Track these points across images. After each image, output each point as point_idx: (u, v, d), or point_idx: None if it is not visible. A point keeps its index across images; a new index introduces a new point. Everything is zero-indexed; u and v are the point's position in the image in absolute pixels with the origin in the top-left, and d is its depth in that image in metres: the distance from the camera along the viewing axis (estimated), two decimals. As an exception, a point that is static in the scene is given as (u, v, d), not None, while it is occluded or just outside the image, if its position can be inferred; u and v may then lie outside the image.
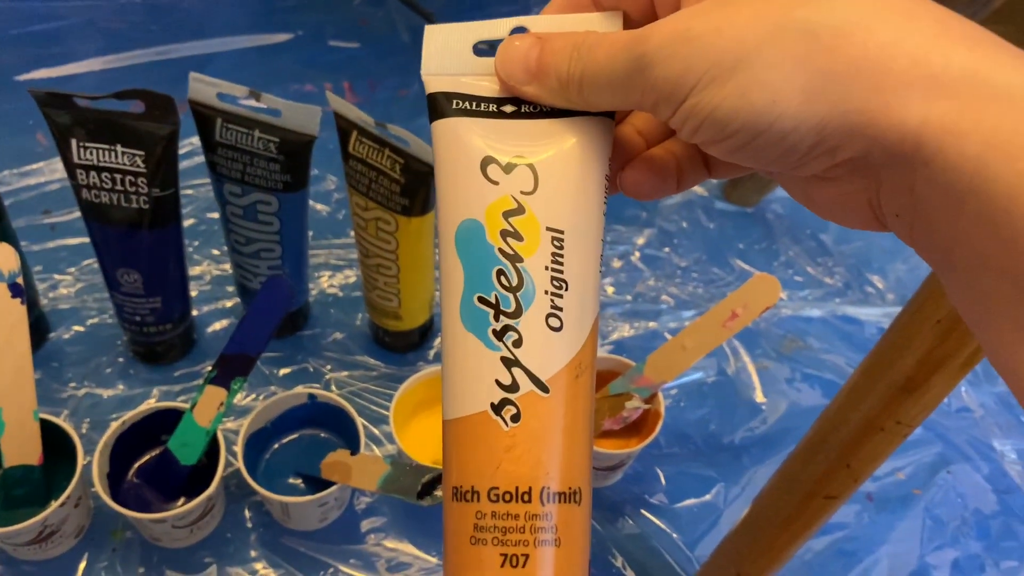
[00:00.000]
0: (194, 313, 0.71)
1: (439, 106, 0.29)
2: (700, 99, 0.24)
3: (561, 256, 0.27)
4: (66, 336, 0.71)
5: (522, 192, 0.27)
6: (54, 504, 0.54)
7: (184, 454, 0.56)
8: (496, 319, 0.27)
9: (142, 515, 0.55)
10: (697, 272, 0.81)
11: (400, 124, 0.54)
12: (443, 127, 0.28)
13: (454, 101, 0.28)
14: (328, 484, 0.57)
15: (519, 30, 0.29)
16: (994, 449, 0.72)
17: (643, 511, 0.65)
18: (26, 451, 0.54)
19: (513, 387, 0.27)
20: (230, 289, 0.75)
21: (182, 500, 0.59)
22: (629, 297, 0.79)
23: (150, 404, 0.60)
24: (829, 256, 0.85)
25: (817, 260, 0.84)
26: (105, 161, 0.55)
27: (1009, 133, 0.20)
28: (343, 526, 0.62)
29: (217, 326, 0.73)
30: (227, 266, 0.76)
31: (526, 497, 0.26)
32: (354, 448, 0.59)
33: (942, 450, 0.71)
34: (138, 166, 0.55)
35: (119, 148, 0.55)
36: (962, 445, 0.71)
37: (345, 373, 0.70)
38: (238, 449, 0.58)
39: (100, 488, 0.55)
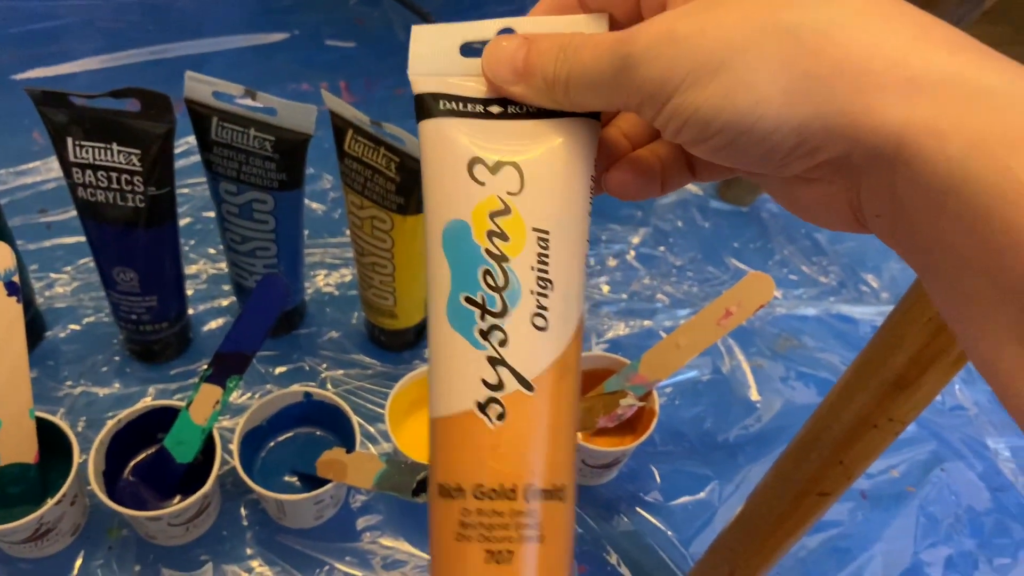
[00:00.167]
0: (190, 312, 0.71)
1: (426, 106, 0.29)
2: (684, 99, 0.24)
3: (547, 256, 0.27)
4: (62, 335, 0.71)
5: (508, 192, 0.28)
6: (50, 502, 0.54)
7: (180, 452, 0.56)
8: (482, 319, 0.27)
9: (138, 513, 0.55)
10: (692, 271, 0.82)
11: (396, 123, 0.54)
12: (430, 127, 0.29)
13: (441, 101, 0.29)
14: (324, 482, 0.57)
15: (506, 31, 0.29)
16: (988, 447, 0.72)
17: (638, 509, 0.65)
18: (22, 449, 0.54)
19: (499, 386, 0.27)
20: (226, 288, 0.75)
21: (178, 498, 0.59)
22: (624, 296, 0.79)
23: (146, 402, 0.60)
24: (823, 255, 0.85)
25: (812, 259, 0.84)
26: (101, 160, 0.55)
27: (989, 134, 0.20)
28: (339, 524, 0.62)
29: (213, 325, 0.73)
30: (223, 265, 0.76)
31: (511, 494, 0.26)
32: (350, 446, 0.59)
33: (936, 448, 0.71)
34: (134, 165, 0.55)
35: (115, 147, 0.55)
36: (956, 443, 0.72)
37: (341, 371, 0.71)
38: (234, 447, 0.58)
39: (96, 486, 0.55)
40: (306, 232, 0.77)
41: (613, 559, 0.62)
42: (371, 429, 0.67)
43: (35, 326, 0.69)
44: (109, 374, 0.69)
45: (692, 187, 0.91)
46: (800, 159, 0.24)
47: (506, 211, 0.27)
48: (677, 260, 0.82)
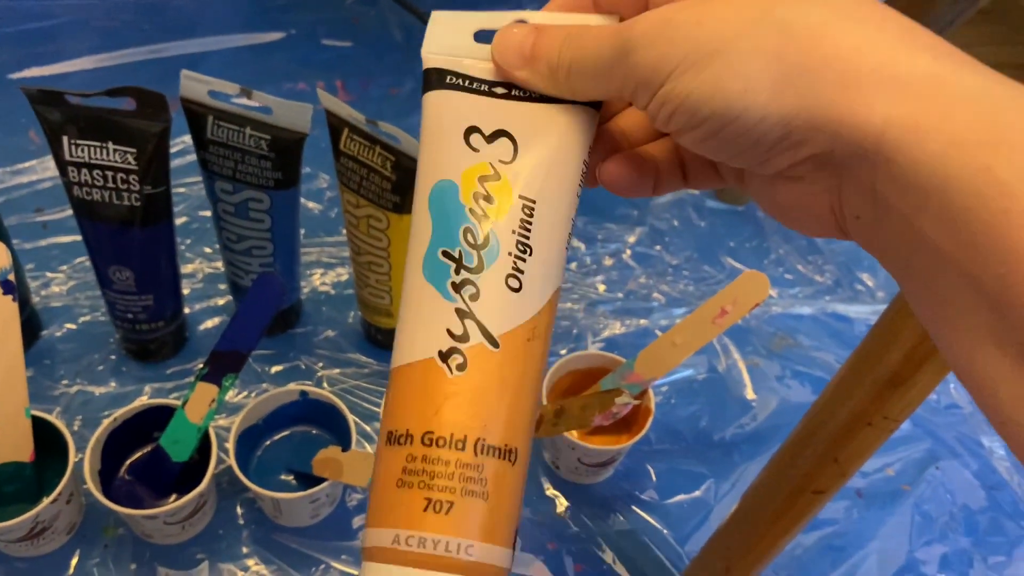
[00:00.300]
0: (186, 311, 0.71)
1: (433, 80, 0.30)
2: (676, 85, 0.24)
3: (530, 223, 0.28)
4: (58, 334, 0.71)
5: (500, 161, 0.28)
6: (46, 501, 0.54)
7: (176, 451, 0.56)
8: (457, 272, 0.27)
9: (134, 511, 0.55)
10: (688, 270, 0.82)
11: (392, 122, 0.54)
12: (433, 98, 0.30)
13: (448, 76, 0.30)
14: (320, 480, 0.57)
15: (520, 22, 0.30)
16: (982, 445, 0.72)
17: (634, 507, 0.65)
18: (18, 448, 0.54)
19: (463, 337, 0.27)
20: (222, 287, 0.75)
21: (174, 497, 0.59)
22: (620, 295, 0.79)
23: (142, 401, 0.60)
24: (819, 254, 0.85)
25: (807, 258, 0.85)
26: (97, 158, 0.55)
27: (969, 133, 0.21)
28: (335, 522, 0.62)
29: (209, 324, 0.73)
30: (219, 264, 0.76)
31: (460, 445, 0.26)
32: (346, 445, 0.59)
33: (931, 446, 0.71)
34: (130, 163, 0.55)
35: (111, 145, 0.55)
36: (951, 441, 0.72)
37: (337, 370, 0.71)
38: (230, 446, 0.58)
39: (92, 485, 0.55)
40: (302, 231, 0.77)
41: (609, 557, 0.62)
42: (367, 428, 0.67)
43: (31, 325, 0.69)
44: (105, 373, 0.69)
45: (688, 186, 0.91)
46: (784, 152, 0.24)
47: (496, 177, 0.28)
48: (673, 259, 0.83)
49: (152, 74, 0.93)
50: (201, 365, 0.55)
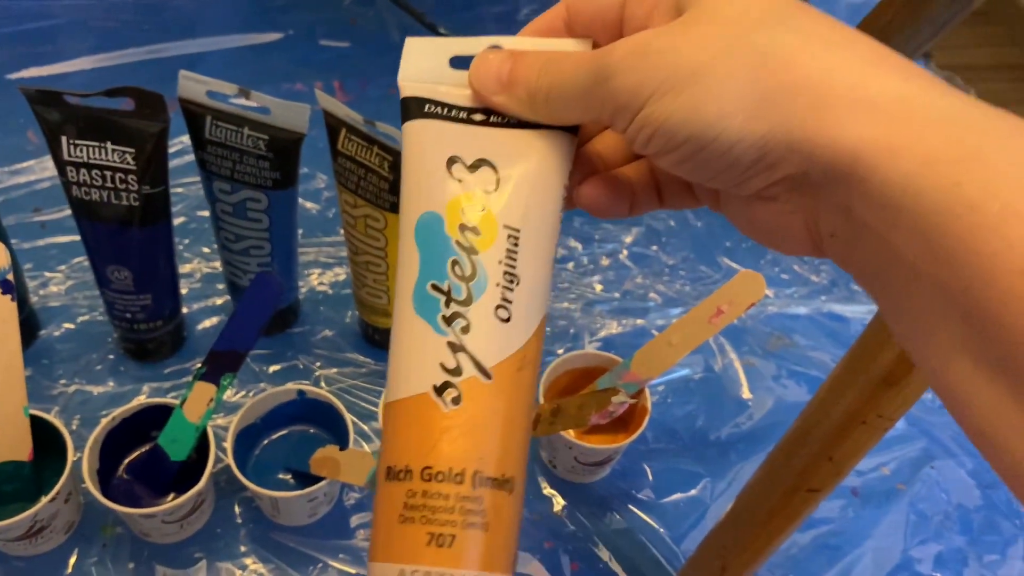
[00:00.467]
0: (184, 310, 0.71)
1: (411, 109, 0.30)
2: (654, 109, 0.25)
3: (515, 253, 0.28)
4: (56, 333, 0.71)
5: (483, 191, 0.29)
6: (44, 500, 0.54)
7: (174, 450, 0.56)
8: (447, 306, 0.28)
9: (132, 510, 0.55)
10: (684, 270, 0.82)
11: (390, 122, 0.54)
12: (413, 127, 0.30)
13: (427, 105, 0.30)
14: (317, 479, 0.57)
15: (495, 48, 0.30)
16: (978, 445, 0.72)
17: (630, 506, 0.65)
18: (16, 447, 0.55)
19: (457, 371, 0.27)
20: (220, 287, 0.75)
21: (172, 496, 0.59)
22: (617, 295, 0.79)
23: (140, 400, 0.60)
24: (816, 254, 0.85)
25: (803, 258, 0.85)
26: (95, 158, 0.55)
27: (940, 152, 0.21)
28: (332, 521, 0.63)
29: (207, 323, 0.73)
30: (217, 264, 0.76)
31: (459, 479, 0.26)
32: (343, 444, 0.59)
33: (926, 445, 0.71)
34: (128, 163, 0.56)
35: (109, 145, 0.55)
36: (946, 441, 0.72)
37: (335, 370, 0.71)
38: (228, 445, 0.58)
39: (90, 484, 0.55)
40: (300, 231, 0.78)
41: (605, 556, 0.63)
42: (365, 427, 0.67)
43: (29, 325, 0.69)
44: (103, 372, 0.69)
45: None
46: (760, 174, 0.25)
47: (479, 207, 0.28)
48: (670, 259, 0.83)
49: (150, 74, 0.93)
50: (199, 364, 0.55)
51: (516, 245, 0.28)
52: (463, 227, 0.28)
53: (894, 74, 0.23)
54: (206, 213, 0.79)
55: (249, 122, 0.57)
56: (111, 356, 0.70)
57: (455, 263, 0.28)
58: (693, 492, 0.67)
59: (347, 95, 0.93)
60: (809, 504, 0.49)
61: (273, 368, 0.70)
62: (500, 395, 0.27)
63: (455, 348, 0.27)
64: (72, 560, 0.59)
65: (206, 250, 0.78)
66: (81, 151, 0.55)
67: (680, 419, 0.71)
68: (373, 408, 0.69)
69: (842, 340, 0.78)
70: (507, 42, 0.30)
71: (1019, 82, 1.52)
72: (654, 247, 0.84)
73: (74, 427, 0.65)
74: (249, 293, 0.54)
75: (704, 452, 0.69)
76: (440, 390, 0.27)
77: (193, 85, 0.57)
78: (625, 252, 0.83)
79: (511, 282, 0.28)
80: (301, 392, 0.62)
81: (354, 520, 0.63)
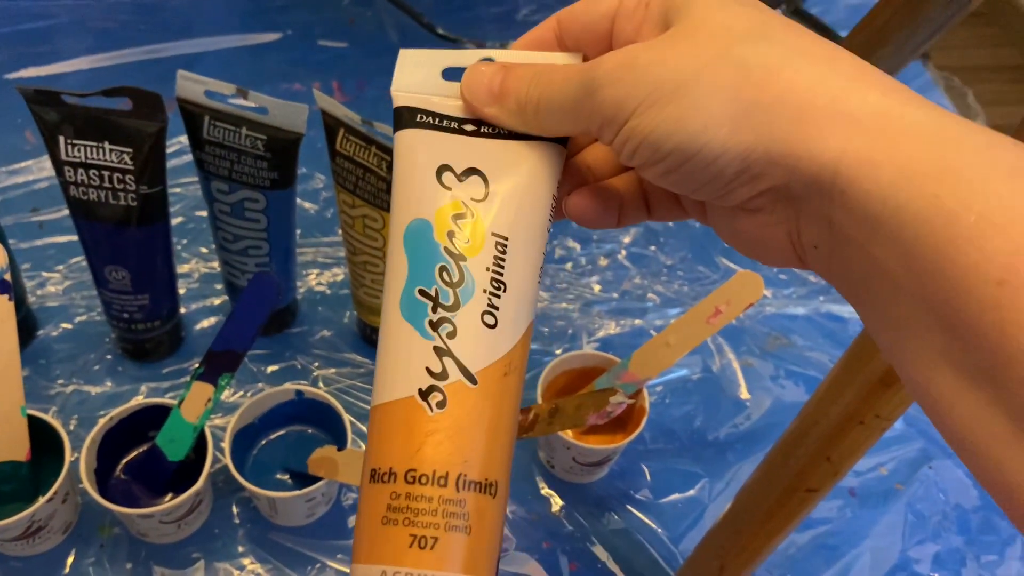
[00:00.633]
0: (182, 310, 0.71)
1: (403, 118, 0.31)
2: (640, 121, 0.26)
3: (503, 260, 0.29)
4: (54, 333, 0.71)
5: (472, 199, 0.29)
6: (41, 500, 0.54)
7: (172, 450, 0.56)
8: (434, 311, 0.28)
9: (130, 511, 0.55)
10: (683, 270, 0.82)
11: (388, 123, 0.54)
12: (405, 136, 0.30)
13: (418, 115, 0.30)
14: (315, 480, 0.57)
15: (487, 61, 0.31)
16: (975, 445, 0.72)
17: (628, 506, 0.65)
18: (14, 447, 0.55)
19: (442, 375, 0.27)
20: (218, 287, 0.75)
21: (170, 496, 0.59)
22: (615, 295, 0.79)
23: (138, 401, 0.60)
24: (814, 254, 0.85)
25: (802, 258, 0.85)
26: (93, 158, 0.55)
27: (919, 165, 0.22)
28: (330, 521, 0.63)
29: (205, 323, 0.73)
30: (215, 264, 0.76)
31: (442, 482, 0.27)
32: (341, 444, 0.59)
33: (924, 446, 0.71)
34: (126, 163, 0.56)
35: (107, 145, 0.55)
36: (944, 441, 0.72)
37: (333, 370, 0.71)
38: (225, 445, 0.58)
39: (88, 484, 0.55)
40: (298, 231, 0.78)
41: (603, 556, 0.63)
42: (362, 427, 0.67)
43: (27, 325, 0.69)
44: (101, 372, 0.69)
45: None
46: (743, 186, 0.25)
47: (469, 215, 0.29)
48: (668, 259, 0.83)
49: (148, 74, 0.93)
50: (197, 364, 0.55)
51: (504, 253, 0.29)
52: (452, 234, 0.29)
53: (874, 88, 0.24)
54: (204, 213, 0.79)
55: (247, 122, 0.57)
56: (109, 356, 0.70)
57: (443, 269, 0.28)
58: (691, 492, 0.67)
59: (345, 95, 0.93)
60: (807, 504, 0.49)
61: (271, 368, 0.70)
62: (485, 400, 0.28)
63: (441, 353, 0.28)
64: (70, 560, 0.59)
65: (204, 250, 0.78)
66: (79, 151, 0.55)
67: (678, 419, 0.71)
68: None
69: (840, 340, 0.78)
70: (499, 55, 0.31)
71: (1017, 83, 1.52)
72: (652, 247, 0.84)
73: (72, 427, 0.65)
74: (247, 293, 0.54)
75: (702, 452, 0.69)
76: (425, 394, 0.27)
77: (191, 85, 0.57)
78: (623, 252, 0.83)
79: (498, 289, 0.28)
80: (299, 392, 0.62)
81: (352, 520, 0.63)
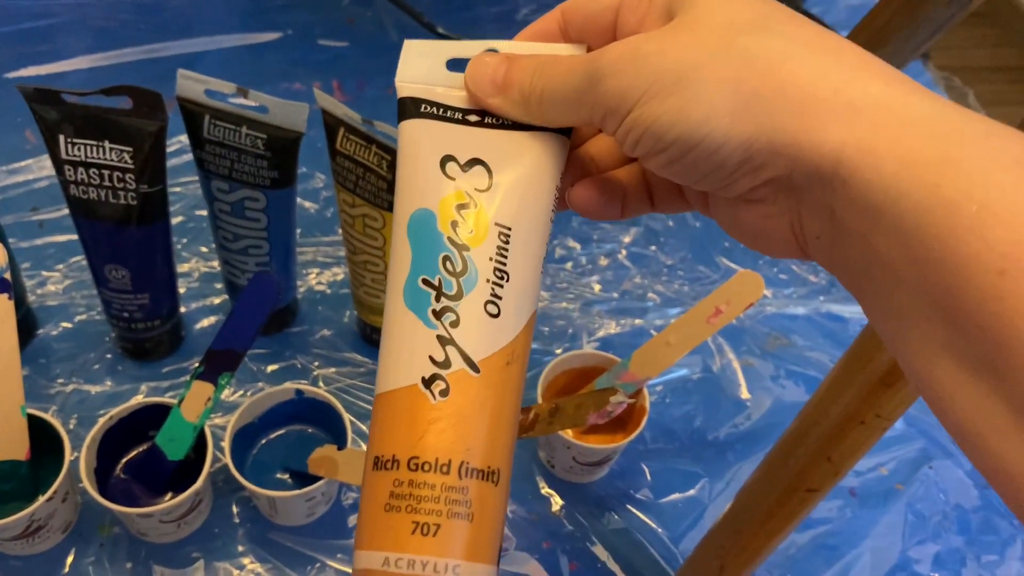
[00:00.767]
0: (182, 310, 0.71)
1: (408, 109, 0.31)
2: (643, 111, 0.26)
3: (506, 250, 0.29)
4: (54, 332, 0.71)
5: (476, 189, 0.29)
6: (41, 499, 0.54)
7: (171, 449, 0.56)
8: (437, 300, 0.28)
9: (129, 510, 0.55)
10: (683, 270, 0.82)
11: (388, 122, 0.54)
12: (409, 127, 0.30)
13: (422, 105, 0.31)
14: (315, 479, 0.57)
15: (492, 52, 0.31)
16: (975, 445, 0.72)
17: (628, 506, 0.65)
18: (14, 446, 0.55)
19: (445, 364, 0.28)
20: (218, 286, 0.75)
21: (169, 495, 0.59)
22: (616, 295, 0.79)
23: (138, 400, 0.60)
24: (814, 254, 0.85)
25: (802, 258, 0.85)
26: (93, 157, 0.55)
27: (919, 155, 0.22)
28: (330, 521, 0.62)
29: (205, 323, 0.73)
30: (215, 263, 0.76)
31: (445, 469, 0.27)
32: (341, 443, 0.59)
33: (924, 446, 0.71)
34: (126, 162, 0.56)
35: (107, 144, 0.55)
36: (944, 441, 0.72)
37: (333, 369, 0.71)
38: (225, 444, 0.58)
39: (87, 483, 0.55)
40: (298, 230, 0.78)
41: (603, 556, 0.63)
42: (363, 427, 0.67)
43: (27, 324, 0.69)
44: (101, 372, 0.69)
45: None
46: (746, 176, 0.25)
47: (472, 205, 0.29)
48: (668, 259, 0.83)
49: (149, 73, 0.93)
50: (197, 364, 0.55)
51: (507, 243, 0.29)
52: (455, 224, 0.29)
53: (877, 79, 0.24)
54: (204, 212, 0.79)
55: (247, 121, 0.57)
56: (109, 355, 0.70)
57: (446, 259, 0.28)
58: (691, 492, 0.67)
59: (345, 95, 0.93)
60: (807, 504, 0.49)
61: (271, 367, 0.70)
62: (488, 388, 0.28)
63: (444, 342, 0.28)
64: (69, 560, 0.59)
65: (204, 249, 0.78)
66: (79, 150, 0.55)
67: (678, 419, 0.71)
68: (371, 407, 0.68)
69: (840, 340, 0.78)
70: (503, 46, 0.31)
71: (1017, 83, 1.52)
72: (652, 247, 0.84)
73: (71, 426, 0.65)
74: (247, 292, 0.54)
75: (702, 452, 0.69)
76: (428, 382, 0.28)
77: (191, 84, 0.57)
78: (623, 252, 0.83)
79: (501, 279, 0.29)
80: (299, 391, 0.62)
81: (352, 520, 0.63)
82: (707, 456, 0.69)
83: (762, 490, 0.51)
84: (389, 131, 0.55)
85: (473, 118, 0.30)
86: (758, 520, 0.51)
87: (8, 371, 0.53)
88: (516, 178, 0.30)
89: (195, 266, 0.77)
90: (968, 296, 0.20)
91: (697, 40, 0.25)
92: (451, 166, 0.29)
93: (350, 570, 0.60)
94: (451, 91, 0.31)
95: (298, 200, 0.76)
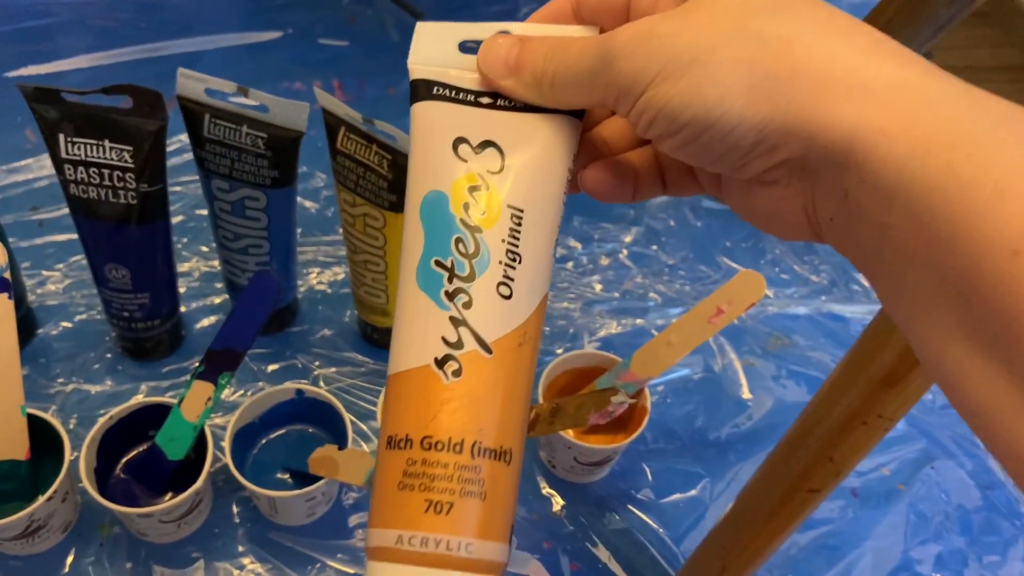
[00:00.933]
0: (182, 309, 0.71)
1: (420, 91, 0.31)
2: (656, 92, 0.26)
3: (518, 232, 0.29)
4: (54, 332, 0.71)
5: (488, 171, 0.29)
6: (41, 499, 0.54)
7: (171, 449, 0.56)
8: (450, 281, 0.28)
9: (129, 510, 0.55)
10: (684, 270, 0.82)
11: (388, 121, 0.54)
12: (421, 108, 0.31)
13: (435, 88, 0.31)
14: (315, 479, 0.57)
15: (504, 33, 0.31)
16: (977, 445, 0.72)
17: (629, 506, 0.65)
18: (13, 446, 0.54)
19: (458, 344, 0.28)
20: (219, 286, 0.75)
21: (169, 495, 0.59)
22: (617, 294, 0.79)
23: (138, 399, 0.60)
24: (815, 254, 0.85)
25: (803, 258, 0.85)
26: (93, 156, 0.55)
27: (933, 135, 0.22)
28: (331, 521, 0.62)
29: (205, 322, 0.73)
30: (215, 262, 0.76)
31: (458, 448, 0.27)
32: (342, 443, 0.59)
33: (926, 446, 0.71)
34: (126, 161, 0.55)
35: (107, 143, 0.55)
36: (946, 441, 0.72)
37: (333, 369, 0.71)
38: (226, 444, 0.58)
39: (87, 483, 0.55)
40: (299, 230, 0.77)
41: (604, 556, 0.62)
42: (363, 427, 0.67)
43: (27, 323, 0.69)
44: (101, 371, 0.69)
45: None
46: (759, 157, 0.25)
47: (484, 187, 0.29)
48: (669, 259, 0.83)
49: (149, 72, 0.93)
50: (197, 363, 0.55)
51: (519, 225, 0.29)
52: (467, 206, 0.29)
53: (891, 60, 0.24)
54: (204, 211, 0.79)
55: (248, 120, 0.57)
56: (109, 355, 0.70)
57: (459, 240, 0.28)
58: (692, 492, 0.67)
59: (346, 94, 0.93)
60: (809, 504, 0.49)
61: (271, 367, 0.70)
62: (500, 369, 0.28)
63: (457, 323, 0.28)
64: (69, 560, 0.59)
65: (204, 249, 0.78)
66: (79, 149, 0.55)
67: (679, 419, 0.71)
68: (372, 407, 0.68)
69: (842, 340, 0.78)
70: (515, 28, 0.31)
71: (1018, 83, 1.52)
72: (654, 247, 0.84)
73: (71, 426, 0.65)
74: (247, 292, 0.54)
75: (703, 452, 0.69)
76: (441, 363, 0.28)
77: (191, 83, 0.57)
78: (624, 252, 0.83)
79: (513, 260, 0.29)
80: (299, 391, 0.62)
81: (352, 520, 0.63)
82: (708, 456, 0.69)
83: (764, 490, 0.51)
84: (390, 130, 0.55)
85: (485, 100, 0.30)
86: (759, 520, 0.51)
87: (8, 371, 0.52)
88: (528, 160, 0.30)
89: (195, 265, 0.76)
90: (981, 277, 0.20)
91: (711, 21, 0.25)
92: (463, 148, 0.29)
93: (350, 570, 0.60)
94: (464, 73, 0.31)
95: (299, 199, 0.76)
